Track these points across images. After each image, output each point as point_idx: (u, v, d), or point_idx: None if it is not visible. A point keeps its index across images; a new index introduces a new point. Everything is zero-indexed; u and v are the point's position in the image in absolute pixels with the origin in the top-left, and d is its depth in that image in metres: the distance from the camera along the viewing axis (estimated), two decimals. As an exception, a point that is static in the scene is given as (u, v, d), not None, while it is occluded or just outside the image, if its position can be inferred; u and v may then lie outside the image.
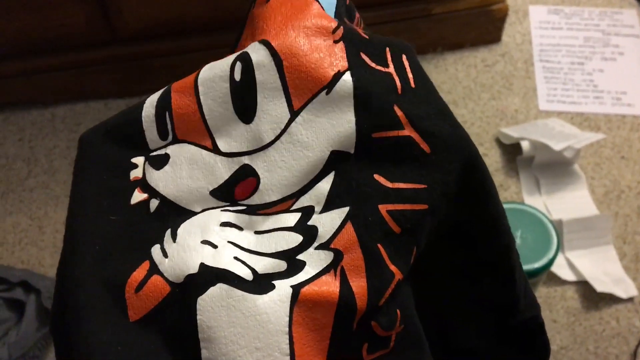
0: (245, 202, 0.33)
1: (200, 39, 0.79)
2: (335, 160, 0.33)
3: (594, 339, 0.65)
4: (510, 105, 0.82)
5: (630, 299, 0.66)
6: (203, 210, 0.33)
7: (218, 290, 0.30)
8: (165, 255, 0.31)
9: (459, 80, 0.84)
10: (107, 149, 0.34)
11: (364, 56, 0.33)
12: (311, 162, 0.32)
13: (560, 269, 0.68)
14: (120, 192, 0.33)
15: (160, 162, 0.33)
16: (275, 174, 0.32)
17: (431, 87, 0.35)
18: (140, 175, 0.33)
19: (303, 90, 0.33)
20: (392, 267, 0.32)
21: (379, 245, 0.32)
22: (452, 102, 0.82)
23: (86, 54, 0.78)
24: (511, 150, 0.77)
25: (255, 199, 0.33)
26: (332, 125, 0.33)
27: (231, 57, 0.33)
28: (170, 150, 0.33)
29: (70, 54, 0.78)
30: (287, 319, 0.30)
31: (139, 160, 0.34)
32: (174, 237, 0.32)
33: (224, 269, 0.31)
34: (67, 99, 0.83)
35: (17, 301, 0.65)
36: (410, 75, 0.34)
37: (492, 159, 0.77)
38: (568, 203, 0.73)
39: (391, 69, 0.33)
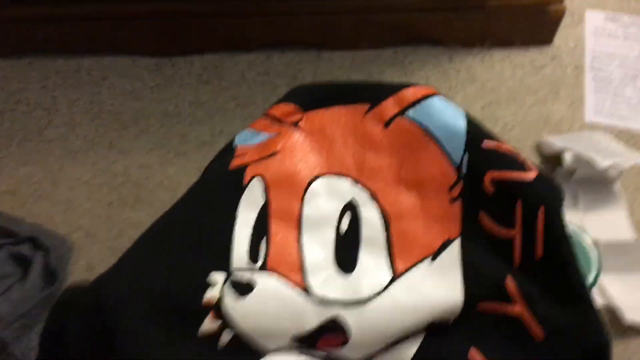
0: (327, 354, 0.30)
1: (242, 3, 0.75)
2: (431, 326, 0.30)
3: (617, 369, 0.62)
4: (555, 113, 0.78)
5: (660, 333, 0.63)
6: (277, 349, 0.30)
7: None
8: None
9: (504, 79, 0.80)
10: (181, 249, 0.31)
11: (483, 217, 0.31)
12: (406, 327, 0.29)
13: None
14: (189, 316, 0.30)
15: (244, 289, 0.30)
16: (366, 334, 0.30)
17: (569, 255, 0.31)
18: (216, 297, 0.30)
19: (408, 254, 0.31)
20: None
21: None
22: (494, 102, 0.78)
23: (121, 6, 0.75)
24: (552, 160, 0.74)
25: (336, 352, 0.30)
26: (437, 293, 0.30)
27: (340, 202, 0.31)
28: (257, 277, 0.31)
29: (104, 5, 0.75)
30: None
31: (218, 277, 0.31)
32: None
33: None
34: (95, 51, 0.80)
35: (24, 257, 0.63)
36: (540, 240, 0.31)
37: (531, 167, 0.73)
38: (606, 223, 0.69)
39: (516, 230, 0.30)
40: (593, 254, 0.53)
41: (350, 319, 0.30)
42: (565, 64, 0.82)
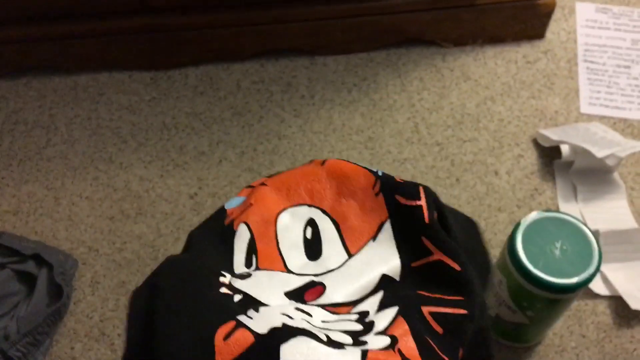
0: (314, 303, 0.41)
1: (234, 14, 0.76)
2: (384, 283, 0.42)
3: (624, 358, 0.62)
4: (550, 106, 0.78)
5: (666, 319, 0.63)
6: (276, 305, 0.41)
7: (299, 340, 0.36)
8: (250, 318, 0.38)
9: (498, 75, 0.81)
10: (201, 265, 0.42)
11: (398, 197, 0.44)
12: (367, 280, 0.42)
13: (593, 282, 0.65)
14: (210, 283, 0.41)
15: (244, 277, 0.42)
16: (338, 285, 0.42)
17: (445, 211, 0.44)
18: (227, 282, 0.42)
19: (357, 241, 0.44)
20: (445, 357, 0.38)
21: (427, 337, 0.38)
22: (489, 98, 0.79)
23: (114, 22, 0.75)
24: (549, 153, 0.74)
25: (321, 301, 0.41)
26: (382, 260, 0.42)
27: (302, 221, 0.45)
28: (252, 272, 0.43)
29: (97, 22, 0.75)
30: None
31: (226, 276, 0.42)
32: (256, 311, 0.39)
33: (303, 328, 0.37)
34: (91, 68, 0.81)
35: (29, 274, 0.63)
36: (435, 211, 0.43)
37: (528, 161, 0.74)
38: (605, 213, 0.69)
39: (422, 201, 0.43)
40: (594, 245, 0.53)
41: (323, 279, 0.42)
42: (558, 57, 0.82)
